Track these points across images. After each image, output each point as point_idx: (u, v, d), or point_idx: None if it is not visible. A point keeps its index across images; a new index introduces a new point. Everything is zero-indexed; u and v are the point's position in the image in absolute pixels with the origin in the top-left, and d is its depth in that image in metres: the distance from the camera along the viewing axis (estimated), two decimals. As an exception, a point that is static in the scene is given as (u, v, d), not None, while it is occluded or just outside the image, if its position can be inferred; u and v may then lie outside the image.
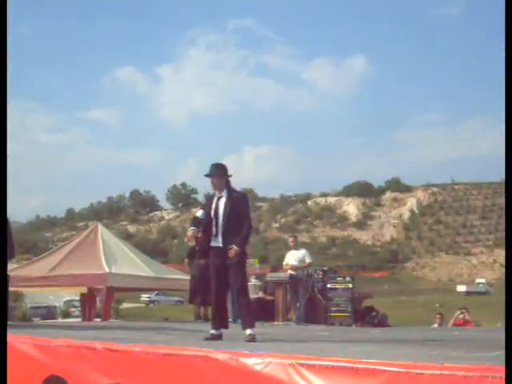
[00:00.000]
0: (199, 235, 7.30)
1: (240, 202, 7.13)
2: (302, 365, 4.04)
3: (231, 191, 7.13)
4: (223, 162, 7.40)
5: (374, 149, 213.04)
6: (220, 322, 7.04)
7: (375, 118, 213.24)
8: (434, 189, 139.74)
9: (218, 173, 7.13)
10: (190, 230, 7.22)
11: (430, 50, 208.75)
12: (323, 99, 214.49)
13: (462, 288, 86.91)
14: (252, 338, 6.60)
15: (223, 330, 7.00)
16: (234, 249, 6.85)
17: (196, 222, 7.27)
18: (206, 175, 7.12)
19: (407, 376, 3.59)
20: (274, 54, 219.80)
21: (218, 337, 6.85)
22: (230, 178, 7.22)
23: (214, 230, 7.02)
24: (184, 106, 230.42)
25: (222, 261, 6.98)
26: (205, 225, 7.13)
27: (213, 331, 6.90)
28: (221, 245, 6.98)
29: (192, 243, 7.21)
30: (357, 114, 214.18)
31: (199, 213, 7.31)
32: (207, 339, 6.68)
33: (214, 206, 7.07)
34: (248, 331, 6.75)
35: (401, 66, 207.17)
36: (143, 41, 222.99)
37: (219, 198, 7.08)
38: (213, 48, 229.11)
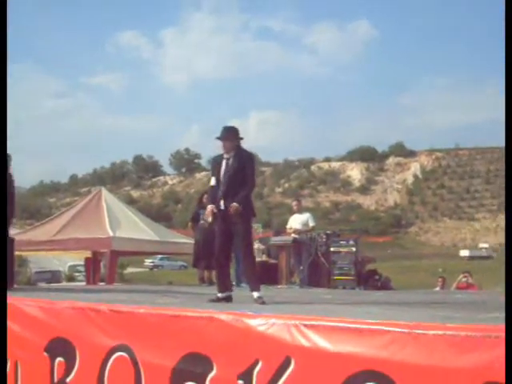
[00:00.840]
0: (216, 211, 7.08)
1: (245, 162, 7.04)
2: (305, 325, 4.06)
3: (238, 152, 7.05)
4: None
5: (378, 113, 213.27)
6: (225, 285, 7.05)
7: (379, 82, 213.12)
8: (438, 154, 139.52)
9: (230, 135, 7.04)
10: (209, 207, 7.08)
11: (435, 13, 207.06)
12: (327, 63, 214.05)
13: (465, 253, 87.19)
14: (260, 301, 6.61)
15: (228, 293, 7.00)
16: (233, 205, 6.77)
17: (214, 192, 7.12)
18: (218, 138, 7.03)
19: (410, 336, 3.60)
20: (277, 18, 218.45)
21: (223, 299, 6.86)
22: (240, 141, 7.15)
23: (219, 192, 7.00)
24: (187, 70, 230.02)
25: (226, 223, 6.97)
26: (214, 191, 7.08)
27: (219, 294, 6.92)
28: (222, 207, 6.94)
29: (209, 220, 7.03)
30: (361, 78, 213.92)
31: (213, 181, 7.16)
32: (212, 301, 6.70)
33: (222, 168, 7.00)
34: (255, 294, 6.77)
35: (405, 30, 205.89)
36: (146, 4, 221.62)
37: (228, 160, 7.02)
38: (216, 11, 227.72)
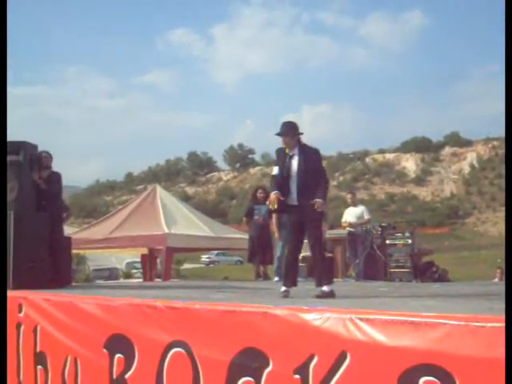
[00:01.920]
0: (282, 198, 7.08)
1: (312, 159, 7.01)
2: (361, 319, 4.04)
3: (303, 148, 7.02)
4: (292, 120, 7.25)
5: (432, 103, 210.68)
6: (292, 279, 7.03)
7: (432, 72, 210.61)
8: (495, 142, 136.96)
9: (289, 131, 7.00)
10: (273, 194, 7.00)
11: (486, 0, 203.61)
12: (379, 55, 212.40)
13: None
14: (330, 294, 6.59)
15: (293, 288, 6.98)
16: (318, 201, 6.75)
17: (277, 182, 7.04)
18: (277, 134, 6.99)
19: (467, 329, 3.56)
20: (328, 10, 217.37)
21: (288, 293, 6.85)
22: (301, 136, 7.13)
23: (288, 188, 6.96)
24: (239, 66, 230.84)
25: (298, 218, 6.95)
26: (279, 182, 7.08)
27: (284, 288, 6.91)
28: (296, 203, 6.91)
29: (274, 206, 7.00)
30: (414, 68, 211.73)
31: (275, 170, 7.11)
32: (286, 297, 6.68)
33: (286, 164, 6.96)
34: (324, 288, 6.74)
35: (457, 18, 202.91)
36: (195, 1, 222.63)
37: (291, 157, 6.96)
38: (266, 5, 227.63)
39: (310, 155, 7.01)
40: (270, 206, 7.32)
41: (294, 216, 7.05)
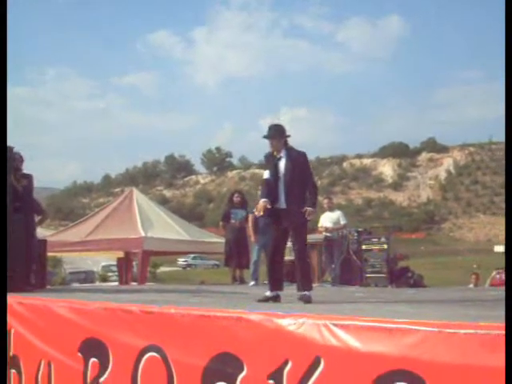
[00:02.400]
0: (269, 206, 7.05)
1: (299, 161, 7.00)
2: (335, 325, 4.05)
3: (289, 151, 7.00)
4: (279, 123, 7.21)
5: (410, 109, 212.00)
6: (276, 284, 7.01)
7: (410, 78, 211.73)
8: (471, 148, 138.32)
9: (277, 134, 6.99)
10: (262, 202, 6.99)
11: (467, 6, 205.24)
12: (358, 60, 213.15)
13: (499, 248, 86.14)
14: (307, 299, 6.59)
15: (278, 293, 6.95)
16: (309, 210, 6.77)
17: (268, 185, 7.03)
18: (265, 137, 6.99)
19: (441, 335, 3.58)
20: (307, 15, 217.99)
21: (271, 298, 6.82)
22: (288, 139, 7.10)
23: (275, 191, 6.95)
24: (218, 69, 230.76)
25: (285, 223, 6.94)
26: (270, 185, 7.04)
27: (267, 293, 6.89)
28: (284, 206, 6.90)
29: (260, 214, 6.95)
30: (392, 74, 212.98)
31: (266, 174, 7.09)
32: (260, 301, 6.67)
33: (278, 168, 6.93)
34: (306, 292, 6.75)
35: (437, 24, 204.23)
36: (175, 3, 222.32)
37: (279, 159, 6.95)
38: (246, 9, 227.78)
39: (296, 158, 6.99)
40: (256, 212, 7.32)
41: (280, 220, 7.00)
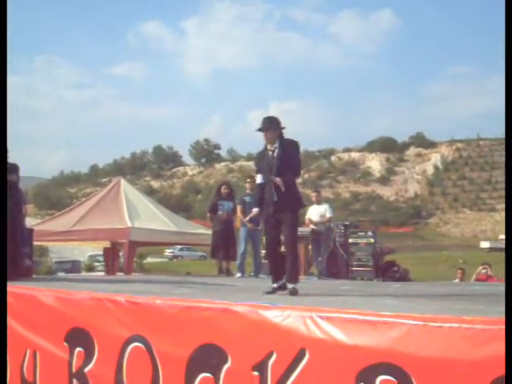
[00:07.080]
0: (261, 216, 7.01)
1: (290, 150, 6.98)
2: (320, 317, 4.06)
3: (282, 141, 6.95)
4: (273, 115, 7.18)
5: (398, 104, 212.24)
6: (279, 274, 7.00)
7: (400, 73, 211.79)
8: (459, 144, 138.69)
9: (271, 126, 6.95)
10: (256, 211, 7.06)
11: (458, 2, 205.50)
12: (349, 53, 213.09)
13: (485, 244, 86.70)
14: (293, 292, 6.59)
15: (283, 282, 6.92)
16: (277, 179, 6.74)
17: (260, 191, 7.04)
18: (259, 129, 6.94)
19: (425, 329, 3.59)
20: (300, 7, 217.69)
21: (279, 288, 6.82)
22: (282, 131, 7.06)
23: (268, 187, 6.90)
24: (209, 60, 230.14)
25: (276, 215, 6.90)
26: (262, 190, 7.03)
27: (274, 285, 6.87)
28: (275, 199, 6.86)
29: (248, 226, 6.97)
30: (382, 68, 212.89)
31: (259, 179, 7.07)
32: (269, 293, 6.65)
33: (269, 160, 6.92)
34: (290, 285, 6.76)
35: (427, 20, 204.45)
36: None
37: (273, 152, 6.93)
38: (238, 1, 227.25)
39: (288, 147, 6.96)
40: (249, 225, 7.28)
41: (273, 212, 6.95)
